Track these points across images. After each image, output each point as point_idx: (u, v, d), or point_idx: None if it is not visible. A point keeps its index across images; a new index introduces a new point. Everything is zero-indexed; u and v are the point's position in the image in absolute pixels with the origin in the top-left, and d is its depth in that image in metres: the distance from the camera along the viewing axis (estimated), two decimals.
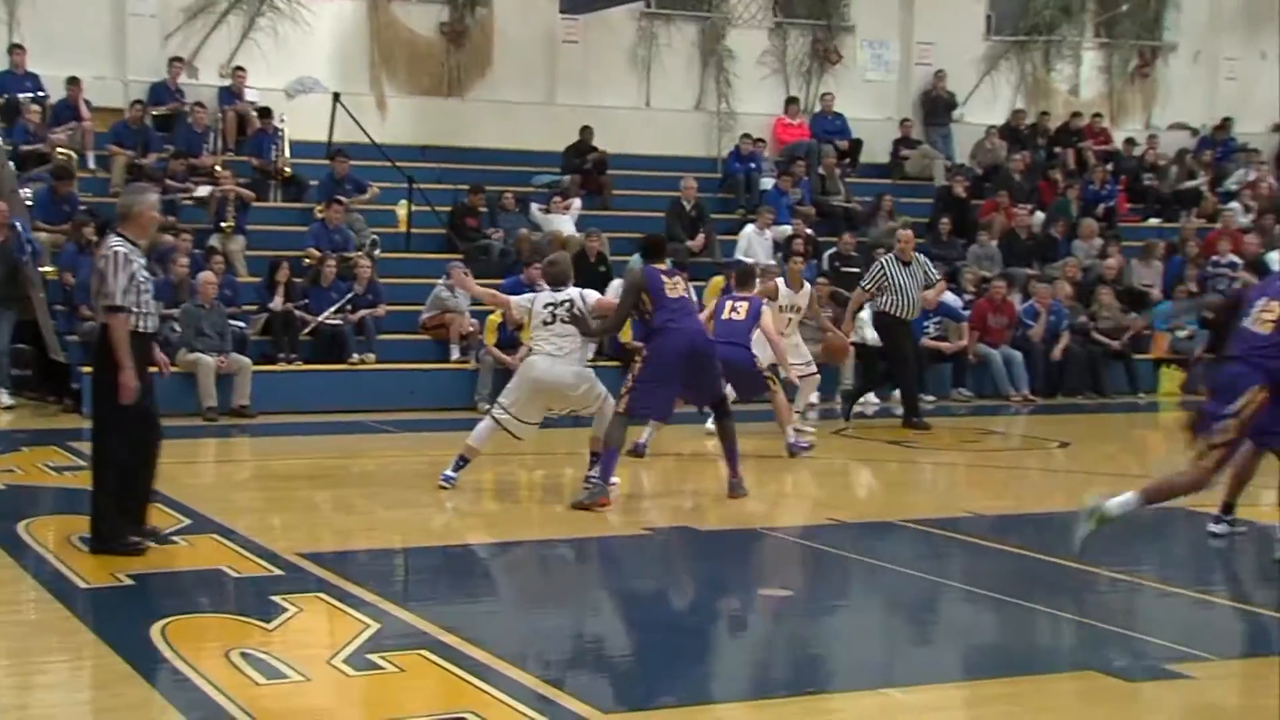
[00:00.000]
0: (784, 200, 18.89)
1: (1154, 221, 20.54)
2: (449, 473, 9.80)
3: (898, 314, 13.74)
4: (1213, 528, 8.69)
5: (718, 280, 15.33)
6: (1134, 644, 6.53)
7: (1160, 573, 8.16)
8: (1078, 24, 22.26)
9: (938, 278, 14.23)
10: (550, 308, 9.71)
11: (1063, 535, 9.29)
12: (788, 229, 17.95)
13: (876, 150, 21.09)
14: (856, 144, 20.78)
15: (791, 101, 20.66)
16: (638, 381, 9.47)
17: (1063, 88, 22.38)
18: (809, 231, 18.06)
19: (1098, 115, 22.04)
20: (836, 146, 20.26)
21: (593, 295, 10.03)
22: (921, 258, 14.09)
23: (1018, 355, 16.74)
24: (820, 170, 19.75)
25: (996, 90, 22.01)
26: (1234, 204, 20.64)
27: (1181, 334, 17.77)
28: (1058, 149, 21.15)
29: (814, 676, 6.05)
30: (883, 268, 13.73)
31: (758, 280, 12.53)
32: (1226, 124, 22.24)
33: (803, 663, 6.28)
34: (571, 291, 9.77)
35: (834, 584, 7.87)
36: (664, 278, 9.71)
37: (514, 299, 10.26)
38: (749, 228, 18.01)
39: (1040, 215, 19.58)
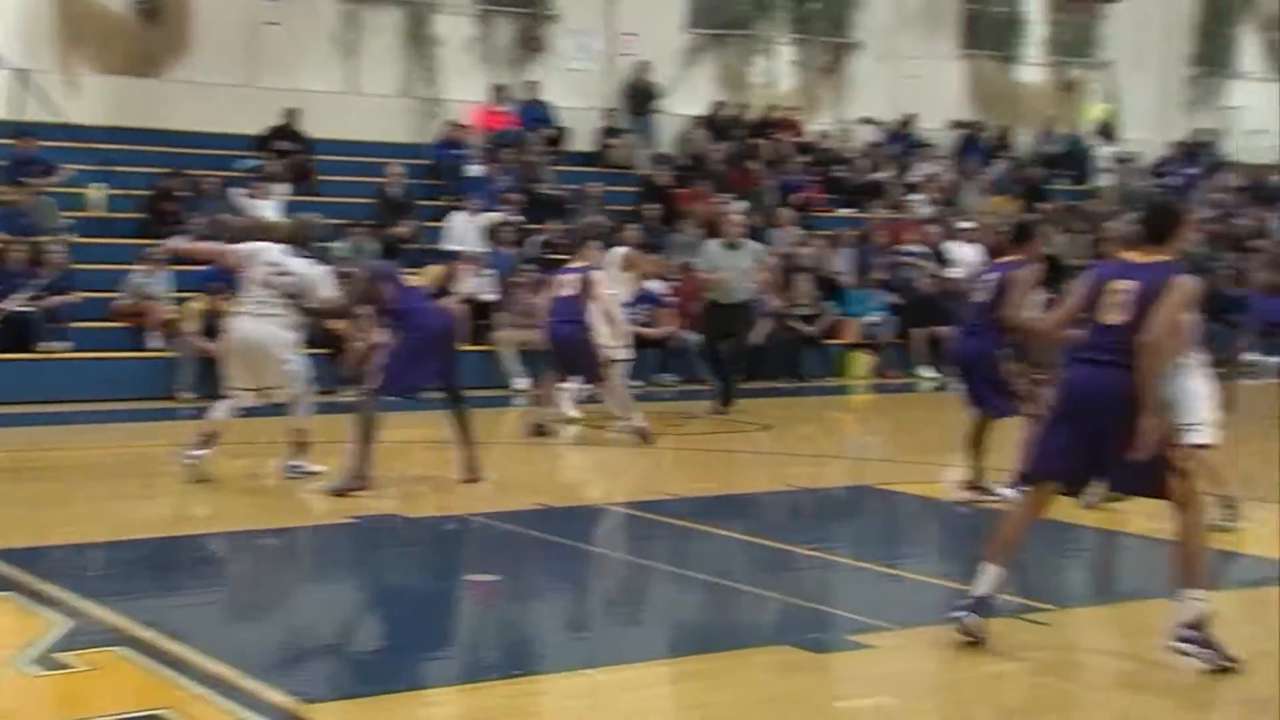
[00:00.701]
0: (492, 187, 18.90)
1: (845, 212, 21.33)
2: (192, 452, 9.52)
3: (716, 296, 14.13)
4: (1005, 492, 8.81)
5: (435, 269, 15.23)
6: (825, 618, 6.81)
7: (853, 549, 8.50)
8: (772, 20, 22.92)
9: (766, 260, 14.80)
10: (273, 269, 9.47)
11: (762, 515, 9.61)
12: (495, 216, 17.98)
13: (582, 138, 21.29)
14: (562, 132, 20.95)
15: (498, 89, 20.67)
16: (391, 358, 9.34)
17: (761, 81, 23.01)
18: (519, 218, 18.14)
19: (793, 108, 22.75)
20: (543, 134, 20.38)
21: (323, 280, 9.76)
22: (754, 244, 14.50)
23: None
24: (528, 158, 19.82)
25: (699, 81, 22.48)
26: (917, 195, 21.61)
27: (871, 319, 18.52)
28: (755, 140, 21.75)
29: (520, 659, 6.11)
30: (707, 251, 14.27)
31: (595, 247, 12.53)
32: (909, 120, 23.28)
33: (509, 646, 6.33)
34: (299, 265, 9.55)
35: (540, 568, 7.94)
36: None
37: (232, 247, 10.01)
38: (457, 214, 17.96)
39: (740, 204, 20.09)
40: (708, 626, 6.79)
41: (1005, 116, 24.35)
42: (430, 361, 9.42)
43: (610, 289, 12.56)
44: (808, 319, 18.02)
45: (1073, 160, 24.30)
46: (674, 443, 12.44)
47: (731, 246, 14.14)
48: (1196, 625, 5.81)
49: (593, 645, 6.43)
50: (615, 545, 8.40)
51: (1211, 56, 26.31)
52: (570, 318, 11.82)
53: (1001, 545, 6.17)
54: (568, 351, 11.99)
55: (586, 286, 11.85)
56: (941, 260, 19.53)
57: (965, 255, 19.51)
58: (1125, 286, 5.86)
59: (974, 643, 5.98)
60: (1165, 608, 5.98)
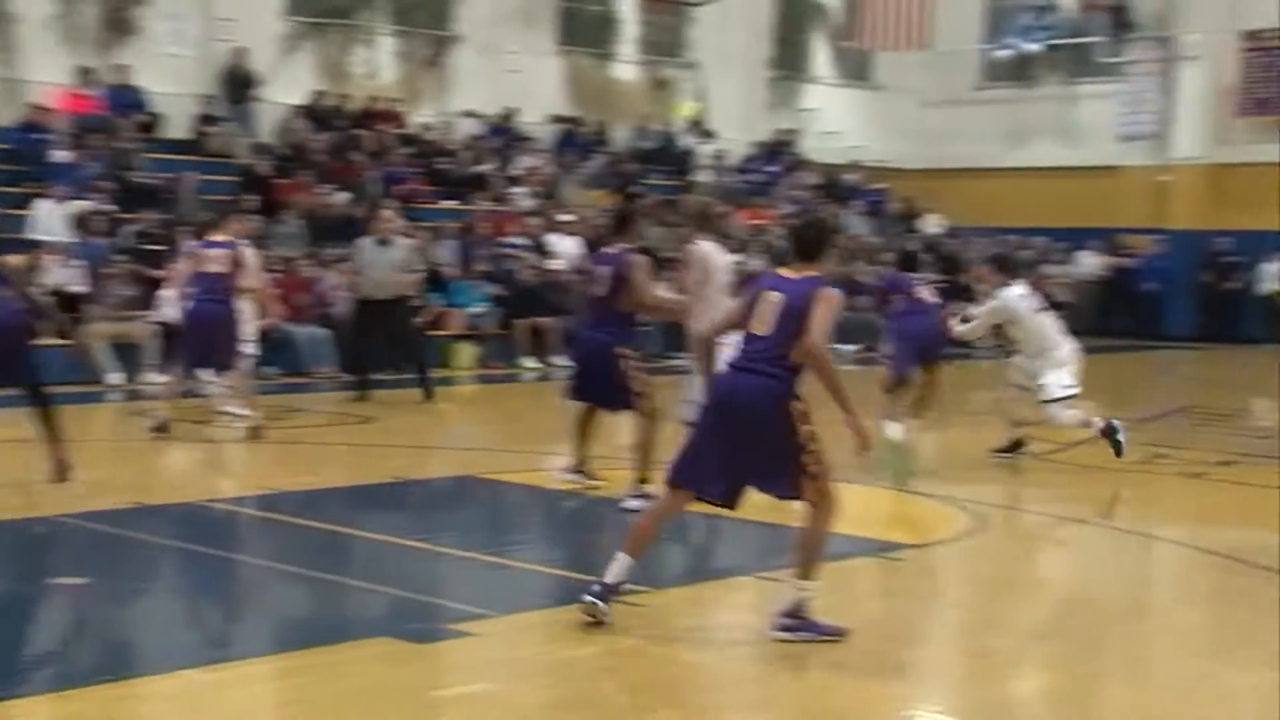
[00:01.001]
0: (79, 174, 17.98)
1: (448, 204, 21.40)
2: None
3: (365, 292, 14.23)
4: (565, 476, 9.15)
5: (14, 259, 14.35)
6: (429, 608, 6.87)
7: (458, 539, 8.57)
8: (372, 10, 22.73)
9: (420, 265, 15.12)
10: None
11: (367, 508, 9.56)
12: (84, 204, 17.12)
13: (178, 126, 20.53)
14: (156, 118, 20.13)
15: (84, 71, 19.65)
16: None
17: (362, 72, 22.78)
18: (111, 207, 17.34)
19: (395, 100, 22.64)
20: (135, 120, 19.53)
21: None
22: (403, 239, 14.54)
23: (323, 333, 16.92)
24: (119, 144, 18.95)
25: (299, 71, 22.05)
26: (519, 188, 21.91)
27: (475, 310, 18.66)
28: (358, 131, 21.53)
29: (115, 663, 5.91)
30: (359, 246, 14.32)
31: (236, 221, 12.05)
32: (511, 114, 23.56)
33: (103, 651, 6.12)
34: None
35: (135, 569, 7.66)
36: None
37: None
38: (43, 202, 17.01)
39: (342, 195, 19.87)
40: (309, 621, 6.74)
41: (602, 112, 24.97)
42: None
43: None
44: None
45: (666, 156, 25.16)
46: (277, 437, 12.21)
47: (383, 243, 14.27)
48: (796, 612, 6.16)
49: (191, 645, 6.28)
50: (215, 542, 8.19)
51: (789, 61, 27.80)
52: (217, 296, 11.29)
53: (636, 538, 6.37)
54: (209, 333, 11.43)
55: (235, 262, 11.38)
56: (543, 252, 19.89)
57: (566, 247, 19.94)
58: (774, 299, 6.13)
59: (595, 623, 6.17)
60: (754, 585, 6.32)
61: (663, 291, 9.29)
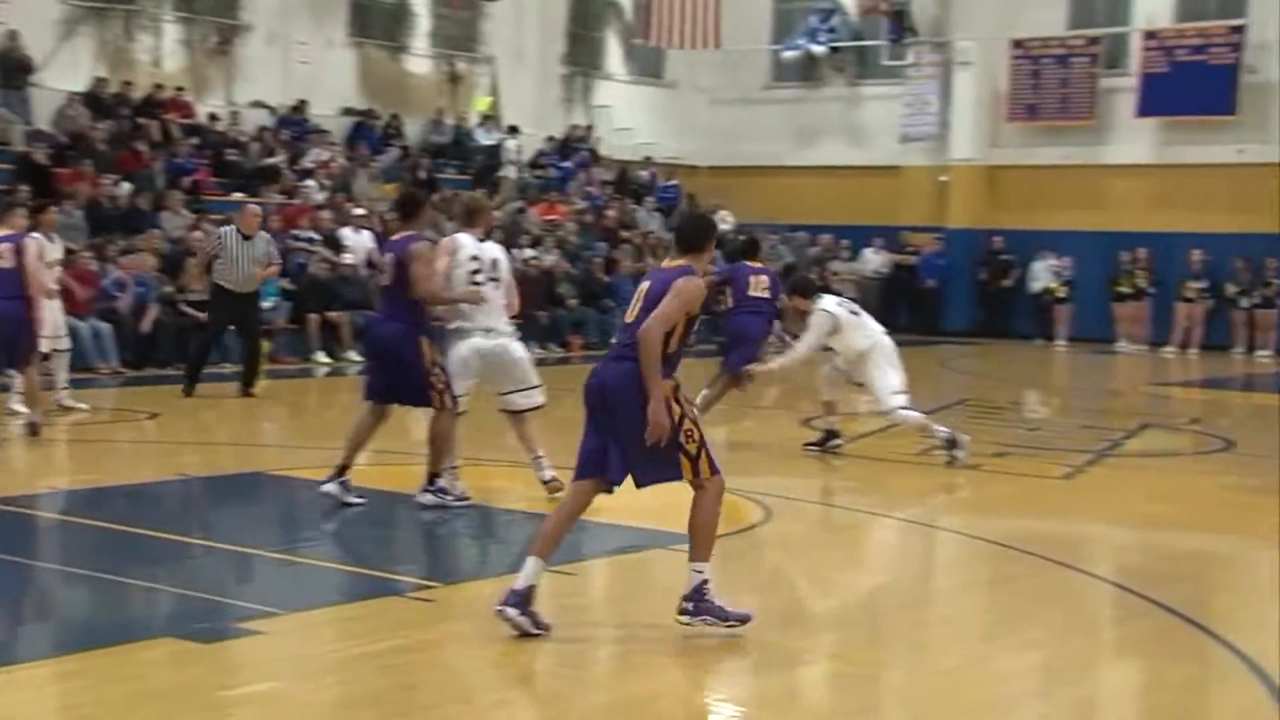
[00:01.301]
0: None
1: (238, 195, 20.91)
2: None
3: (229, 285, 14.17)
4: (327, 487, 8.83)
5: None
6: (217, 607, 6.72)
7: (247, 537, 8.40)
8: None
9: (279, 260, 15.16)
10: None
11: (152, 506, 9.31)
12: None
13: None
14: None
15: None
16: None
17: (145, 59, 22.10)
18: None
19: (181, 89, 22.02)
20: None
21: None
22: (265, 235, 14.74)
23: (106, 327, 16.40)
24: None
25: (78, 56, 21.29)
26: (310, 181, 21.54)
27: (265, 305, 18.26)
28: (142, 120, 20.89)
29: None
30: (221, 238, 14.20)
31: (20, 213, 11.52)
32: (302, 105, 23.14)
33: None
34: None
35: None
36: None
37: None
38: None
39: (126, 186, 19.27)
40: (92, 623, 6.54)
41: (395, 105, 24.70)
42: None
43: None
44: (199, 305, 17.52)
45: (460, 150, 25.01)
46: (60, 434, 11.80)
47: (246, 237, 14.29)
48: (696, 596, 6.27)
49: None
50: None
51: (583, 58, 27.91)
52: (11, 293, 10.82)
53: (545, 538, 6.30)
54: (7, 331, 10.96)
55: (21, 255, 10.91)
56: (335, 246, 19.60)
57: (358, 241, 19.68)
58: (643, 289, 6.34)
59: (522, 636, 6.07)
60: (544, 580, 6.33)
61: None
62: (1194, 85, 24.20)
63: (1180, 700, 5.93)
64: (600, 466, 6.29)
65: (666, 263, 6.54)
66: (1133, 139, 25.47)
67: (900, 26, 27.04)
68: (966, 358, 23.71)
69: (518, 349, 9.22)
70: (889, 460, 11.72)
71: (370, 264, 19.50)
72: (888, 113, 27.43)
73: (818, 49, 28.25)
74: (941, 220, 27.05)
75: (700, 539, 6.33)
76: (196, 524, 8.64)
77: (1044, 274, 25.95)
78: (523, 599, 6.11)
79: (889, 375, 11.39)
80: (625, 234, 24.19)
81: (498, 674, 5.97)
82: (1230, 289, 24.10)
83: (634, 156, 27.72)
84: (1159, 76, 24.68)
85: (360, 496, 8.91)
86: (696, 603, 6.28)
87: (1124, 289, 24.98)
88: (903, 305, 27.24)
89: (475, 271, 8.88)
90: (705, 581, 6.29)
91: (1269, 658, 6.28)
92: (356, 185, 22.14)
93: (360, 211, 20.47)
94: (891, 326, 27.63)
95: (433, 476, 8.85)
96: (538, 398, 9.25)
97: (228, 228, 14.60)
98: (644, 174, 27.33)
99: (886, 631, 6.81)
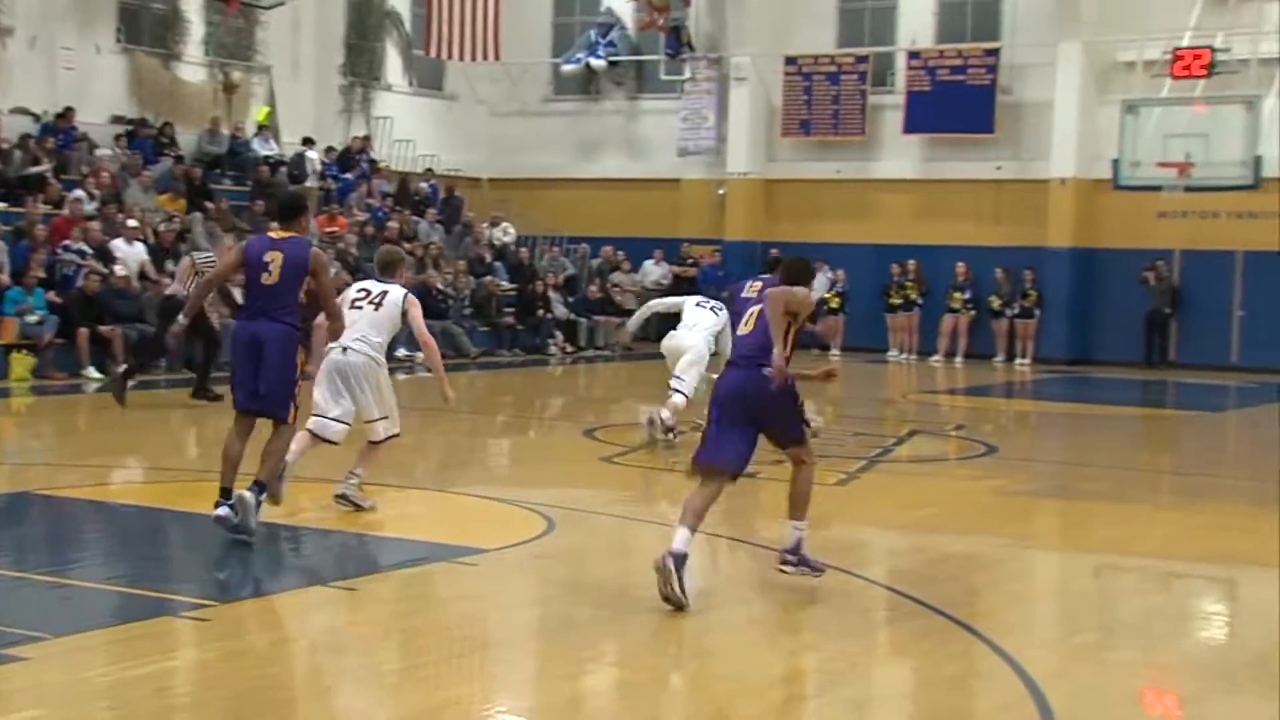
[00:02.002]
0: None
1: (1, 206, 20.06)
2: None
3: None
4: (219, 512, 8.34)
5: None
6: None
7: (13, 559, 8.06)
8: None
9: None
10: None
11: None
12: None
13: None
14: None
15: None
16: None
17: None
18: None
19: None
20: None
21: None
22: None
23: None
24: None
25: None
26: (79, 191, 20.78)
27: (31, 319, 17.59)
28: None
29: None
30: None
31: None
32: (68, 112, 22.32)
33: None
34: None
35: None
36: None
37: None
38: None
39: None
40: None
41: (168, 114, 24.00)
42: None
43: None
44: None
45: (236, 161, 24.45)
46: None
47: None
48: (797, 548, 7.63)
49: None
50: None
51: (362, 68, 27.56)
52: None
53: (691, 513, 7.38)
54: None
55: None
56: (106, 258, 18.95)
57: (131, 253, 19.08)
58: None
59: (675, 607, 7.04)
60: (330, 596, 6.25)
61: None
62: (955, 104, 25.17)
63: (947, 698, 6.15)
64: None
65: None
66: (901, 155, 26.33)
67: (678, 42, 27.46)
68: None
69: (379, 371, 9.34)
70: (671, 470, 11.87)
71: (143, 275, 18.96)
72: (666, 126, 27.81)
73: (597, 63, 28.47)
74: (720, 233, 27.51)
75: (800, 502, 7.68)
76: None
77: (818, 286, 26.62)
78: (678, 561, 7.20)
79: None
80: (407, 246, 23.97)
81: (277, 692, 5.86)
82: (993, 300, 25.10)
83: (415, 168, 27.51)
84: (923, 95, 25.58)
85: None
86: (798, 555, 7.63)
87: (895, 300, 25.82)
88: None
89: (358, 299, 9.35)
90: (802, 539, 7.63)
91: (1028, 655, 6.58)
92: (128, 195, 21.45)
93: (132, 222, 19.84)
94: None
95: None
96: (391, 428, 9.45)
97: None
98: (424, 186, 27.14)
99: (669, 639, 6.91)
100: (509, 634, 6.95)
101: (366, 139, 26.94)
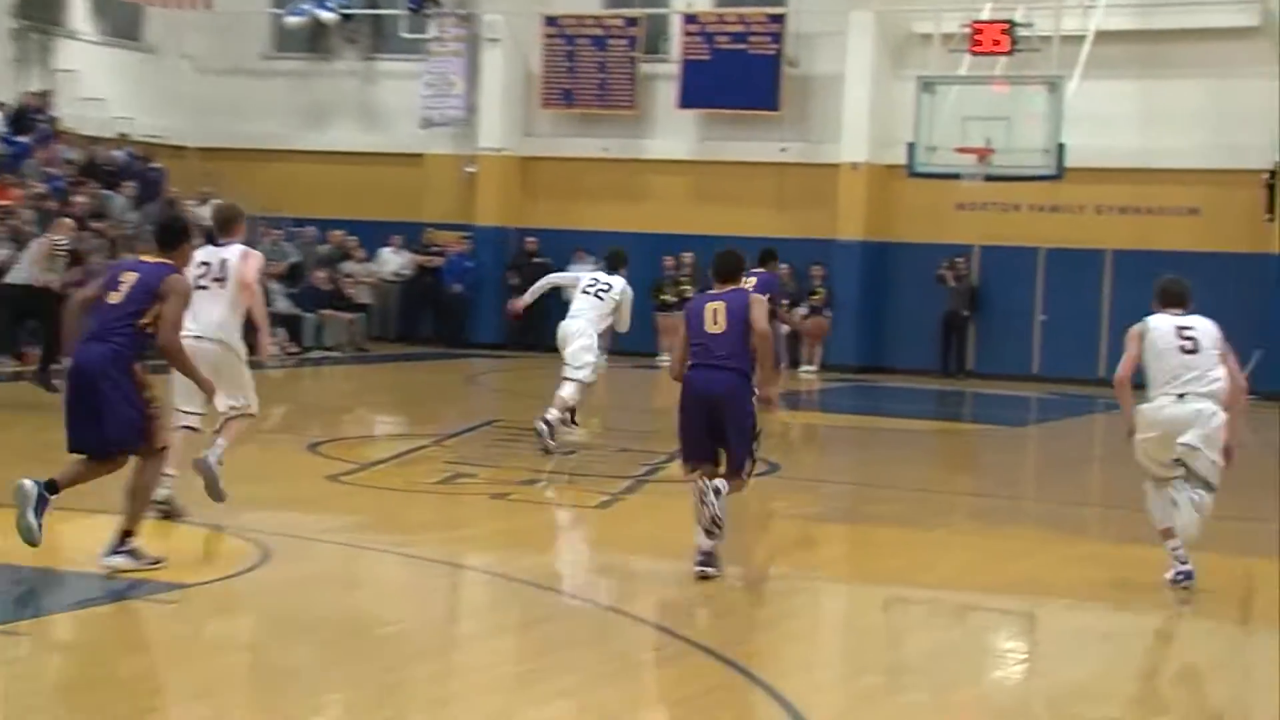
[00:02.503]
0: None
1: None
2: None
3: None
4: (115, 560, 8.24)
5: None
6: None
7: None
8: None
9: None
10: None
11: None
12: None
13: None
14: None
15: None
16: None
17: None
18: None
19: None
20: None
21: None
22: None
23: None
24: None
25: None
26: None
27: None
28: None
29: None
30: None
31: None
32: None
33: None
34: None
35: None
36: None
37: None
38: None
39: None
40: None
41: None
42: None
43: None
44: None
45: None
46: None
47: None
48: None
49: None
50: None
51: (38, 11, 26.58)
52: None
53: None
54: None
55: None
56: None
57: None
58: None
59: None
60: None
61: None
62: (736, 76, 25.62)
63: None
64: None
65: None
66: (676, 132, 26.72)
67: None
68: (497, 373, 24.22)
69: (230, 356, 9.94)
70: (408, 490, 11.84)
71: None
72: (408, 93, 27.65)
73: (327, 15, 28.16)
74: (469, 217, 27.49)
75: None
76: None
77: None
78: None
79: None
80: (96, 225, 23.27)
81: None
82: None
83: (106, 133, 26.70)
84: (700, 65, 25.95)
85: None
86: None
87: (668, 297, 25.95)
88: (426, 313, 27.54)
89: (201, 276, 9.77)
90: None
91: (809, 700, 6.76)
92: None
93: None
94: (414, 336, 28.22)
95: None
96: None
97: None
98: (118, 154, 26.37)
99: (402, 686, 6.89)
100: (210, 685, 6.81)
101: (45, 95, 26.00)
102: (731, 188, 26.19)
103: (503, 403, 20.81)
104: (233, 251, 10.04)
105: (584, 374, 14.15)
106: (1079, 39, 22.49)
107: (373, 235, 27.32)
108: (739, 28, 25.92)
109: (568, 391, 14.07)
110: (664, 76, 26.60)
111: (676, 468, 13.11)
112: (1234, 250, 23.47)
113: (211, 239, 10.41)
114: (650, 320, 26.13)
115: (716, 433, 8.96)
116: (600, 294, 14.42)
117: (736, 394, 8.93)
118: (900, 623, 9.15)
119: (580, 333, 14.29)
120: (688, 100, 26.26)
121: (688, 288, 26.04)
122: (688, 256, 25.98)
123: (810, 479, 14.10)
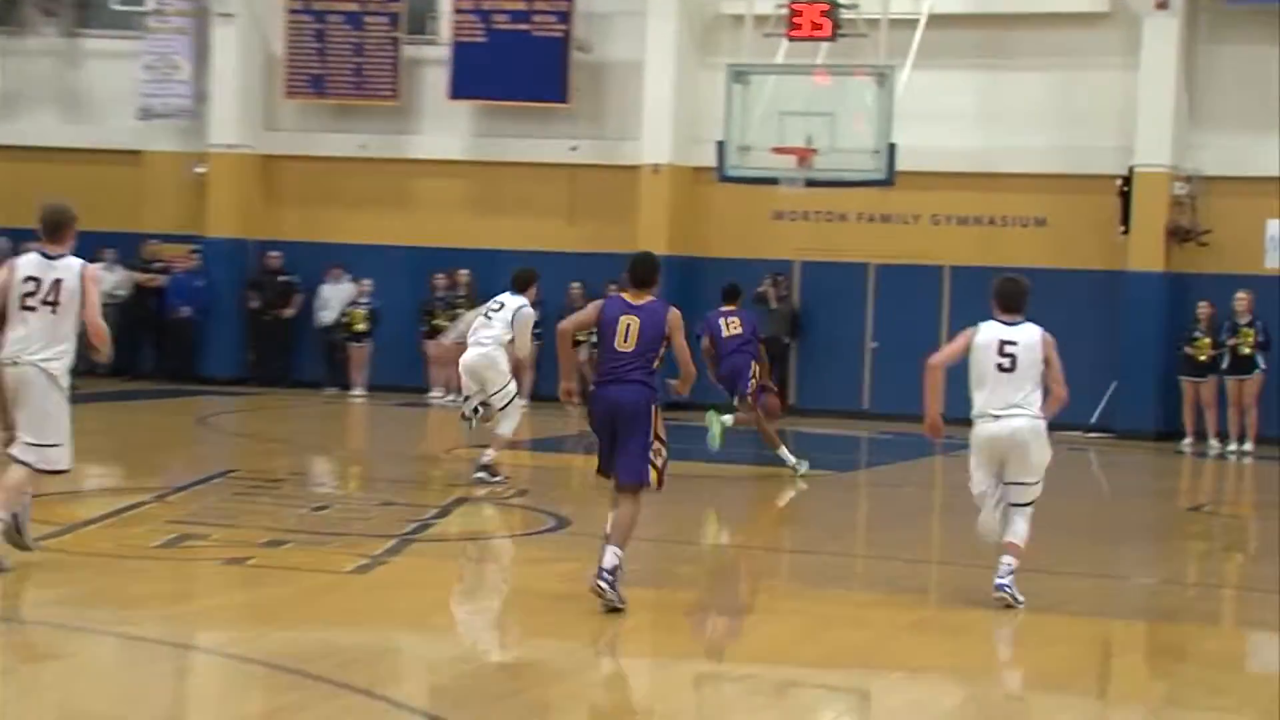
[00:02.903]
0: None
1: None
2: None
3: None
4: None
5: None
6: None
7: None
8: None
9: None
10: None
11: None
12: None
13: None
14: None
15: None
16: None
17: None
18: None
19: None
20: None
21: None
22: None
23: None
24: None
25: None
26: None
27: None
28: None
29: None
30: None
31: None
32: None
33: None
34: None
35: None
36: None
37: None
38: None
39: None
40: None
41: None
42: None
43: None
44: None
45: None
46: None
47: None
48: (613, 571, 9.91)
49: None
50: None
51: None
52: None
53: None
54: None
55: None
56: None
57: None
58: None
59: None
60: None
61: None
62: (518, 63, 25.62)
63: None
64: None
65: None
66: (447, 127, 26.68)
67: None
68: (234, 413, 23.89)
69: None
70: (124, 556, 11.62)
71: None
72: (122, 76, 27.22)
73: None
74: (199, 228, 27.12)
75: (627, 533, 10.29)
76: None
77: (337, 301, 26.52)
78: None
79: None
80: None
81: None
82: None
83: None
84: (475, 48, 25.89)
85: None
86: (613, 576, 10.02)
87: (440, 321, 25.68)
88: (147, 341, 27.04)
89: (29, 295, 10.21)
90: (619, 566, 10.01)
91: None
92: None
93: None
94: (134, 371, 27.65)
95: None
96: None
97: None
98: None
99: None
100: None
101: None
102: (514, 193, 26.23)
103: (240, 449, 20.52)
104: (70, 267, 10.43)
105: (507, 428, 15.95)
106: (911, 23, 22.89)
107: (80, 249, 26.52)
108: (520, 5, 25.94)
109: (505, 428, 15.79)
110: (432, 62, 26.57)
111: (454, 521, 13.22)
112: (1084, 267, 24.16)
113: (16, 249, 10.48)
114: (417, 349, 26.03)
115: (618, 444, 10.61)
116: (490, 314, 15.63)
117: (641, 407, 10.80)
118: (713, 702, 9.19)
119: (488, 368, 15.74)
120: (460, 90, 26.23)
121: (464, 312, 25.90)
122: (463, 274, 25.85)
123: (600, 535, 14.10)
